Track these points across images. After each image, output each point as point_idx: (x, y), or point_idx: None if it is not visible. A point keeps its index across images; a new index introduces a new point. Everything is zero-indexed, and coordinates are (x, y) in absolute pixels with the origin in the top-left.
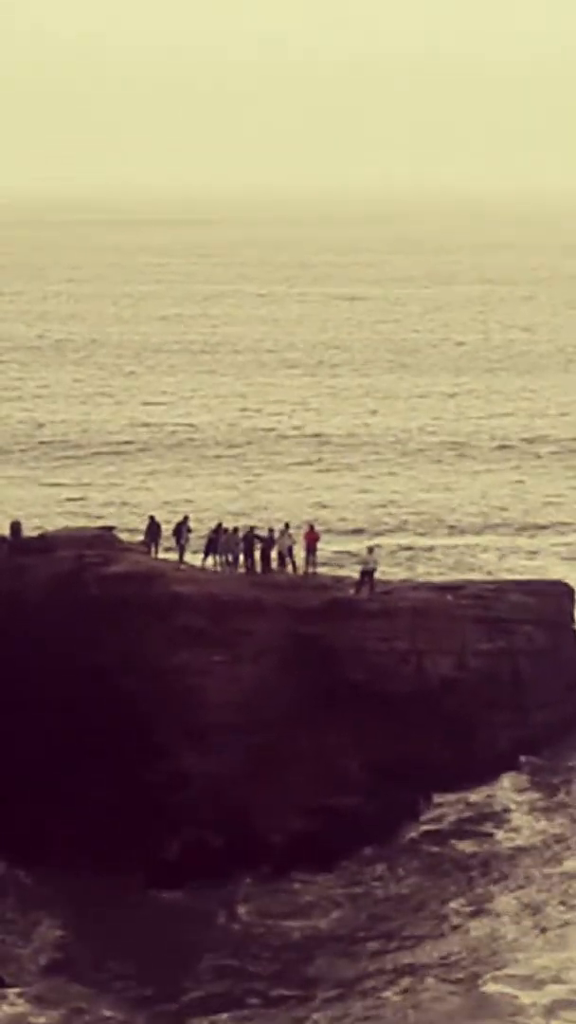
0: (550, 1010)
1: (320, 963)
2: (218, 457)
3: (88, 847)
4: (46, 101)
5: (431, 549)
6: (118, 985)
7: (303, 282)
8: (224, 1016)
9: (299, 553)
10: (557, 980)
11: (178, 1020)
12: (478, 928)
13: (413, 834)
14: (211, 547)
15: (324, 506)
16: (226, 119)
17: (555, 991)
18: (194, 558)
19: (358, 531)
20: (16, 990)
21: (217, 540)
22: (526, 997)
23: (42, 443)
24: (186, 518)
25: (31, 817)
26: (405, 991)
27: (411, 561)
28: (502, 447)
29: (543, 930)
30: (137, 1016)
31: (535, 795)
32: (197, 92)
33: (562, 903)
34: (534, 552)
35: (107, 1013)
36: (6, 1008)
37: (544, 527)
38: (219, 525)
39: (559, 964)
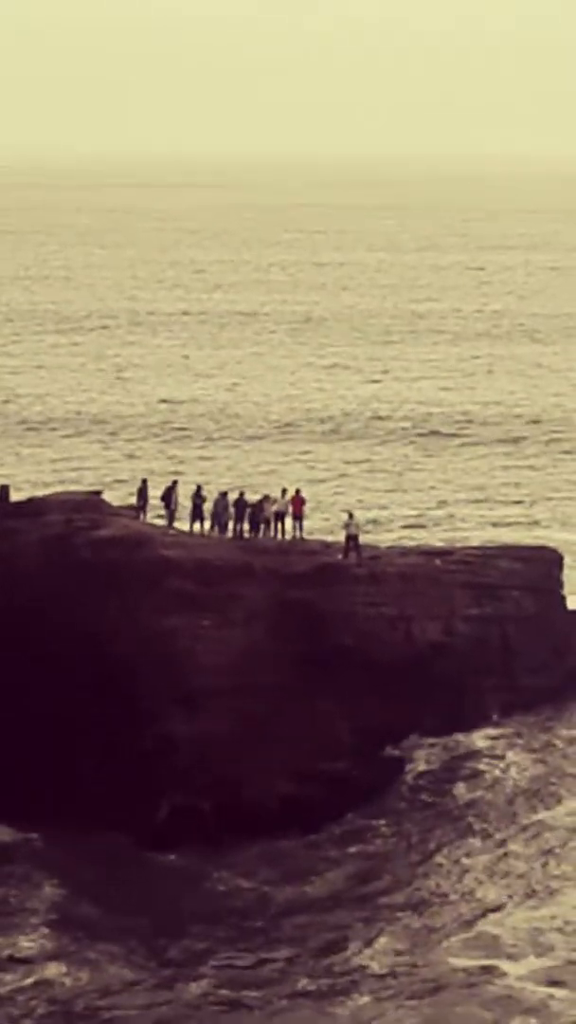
0: (529, 975)
1: (305, 927)
2: (211, 429)
3: (80, 811)
4: (49, 67)
5: (426, 517)
6: (115, 945)
7: (300, 248)
8: (213, 978)
9: (288, 519)
10: (536, 942)
11: (170, 981)
12: (458, 890)
13: (397, 795)
14: (197, 512)
15: (318, 477)
16: (225, 90)
17: (533, 954)
18: (184, 524)
19: (353, 502)
20: (22, 948)
21: (200, 505)
22: (504, 961)
23: (35, 415)
24: (175, 483)
25: (23, 781)
26: (386, 954)
27: (406, 530)
28: (501, 418)
29: (523, 889)
30: (129, 975)
31: (518, 754)
32: (198, 64)
33: (540, 860)
34: (533, 522)
35: (105, 969)
36: (12, 964)
37: (539, 498)
38: (199, 488)
39: (537, 924)
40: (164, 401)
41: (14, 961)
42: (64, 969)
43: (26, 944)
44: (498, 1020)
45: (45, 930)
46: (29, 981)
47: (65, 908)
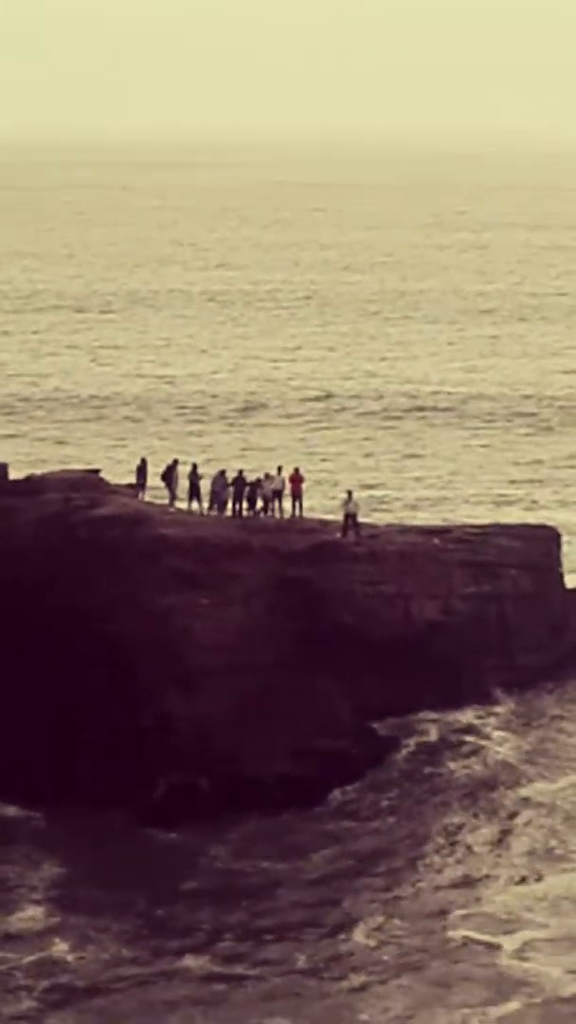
0: (523, 950)
1: (301, 902)
2: (212, 408)
3: (80, 789)
4: (48, 43)
5: (427, 497)
6: (115, 922)
7: (301, 227)
8: (211, 954)
9: (286, 497)
10: (529, 917)
11: (169, 958)
12: (454, 865)
13: (394, 772)
14: (194, 491)
15: (320, 456)
16: (215, 68)
17: (527, 929)
18: (185, 503)
19: (354, 481)
20: (22, 925)
21: (196, 483)
22: (496, 936)
23: (35, 394)
24: (176, 462)
25: (23, 760)
26: (382, 930)
27: (407, 510)
28: (503, 397)
29: (517, 864)
30: (128, 952)
31: (515, 732)
32: (196, 39)
33: (534, 836)
34: (533, 502)
35: (105, 946)
36: (13, 941)
37: (540, 477)
38: (195, 467)
39: (531, 899)
40: (165, 380)
41: (14, 938)
42: (64, 946)
43: (26, 921)
44: (492, 995)
45: (45, 907)
46: (30, 958)
47: (65, 885)
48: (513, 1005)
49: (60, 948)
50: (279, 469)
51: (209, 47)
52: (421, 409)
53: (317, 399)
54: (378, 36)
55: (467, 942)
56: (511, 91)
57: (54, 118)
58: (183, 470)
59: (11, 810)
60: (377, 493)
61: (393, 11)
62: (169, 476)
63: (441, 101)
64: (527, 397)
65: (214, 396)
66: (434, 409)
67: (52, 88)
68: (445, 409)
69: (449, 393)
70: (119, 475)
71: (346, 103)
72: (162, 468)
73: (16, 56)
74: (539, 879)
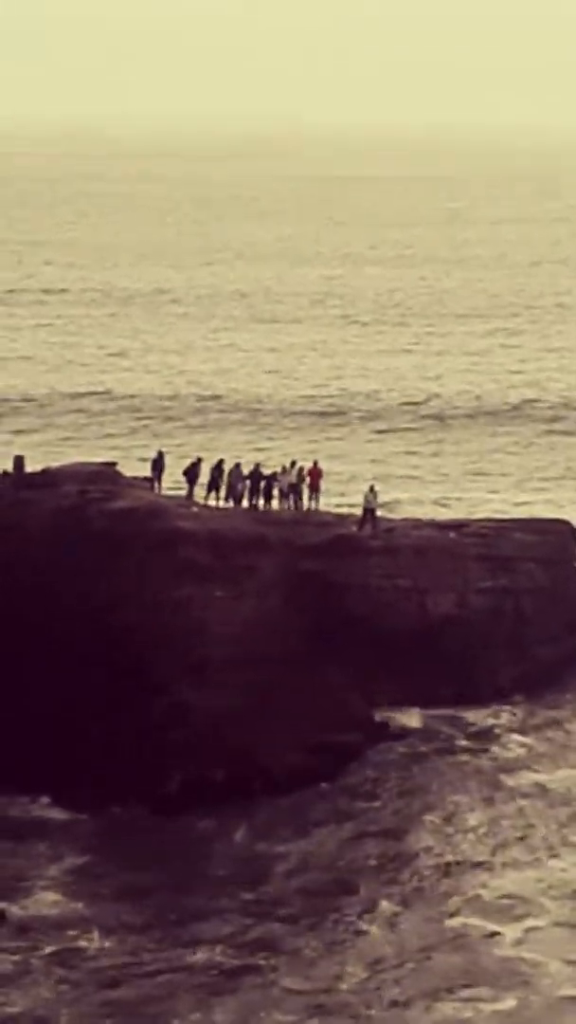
0: (520, 939)
1: (305, 892)
2: (230, 407)
3: (94, 782)
4: (54, 35)
5: (446, 497)
6: (132, 912)
7: (317, 221)
8: (218, 943)
9: (303, 490)
10: (529, 906)
11: (185, 946)
12: (458, 855)
13: (404, 763)
14: (213, 484)
15: (338, 454)
16: (230, 58)
17: (528, 917)
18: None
19: (373, 480)
20: (39, 916)
21: (218, 478)
22: (497, 924)
23: (52, 389)
24: (199, 460)
25: (35, 752)
26: (387, 922)
27: (424, 507)
28: (528, 397)
29: (518, 854)
30: (147, 940)
31: (526, 725)
32: (203, 32)
33: (537, 826)
34: (559, 504)
35: (123, 936)
36: (30, 931)
37: (559, 477)
38: (220, 462)
39: (532, 888)
40: (186, 378)
41: (34, 928)
42: (84, 936)
43: (46, 911)
44: (492, 987)
45: (64, 897)
46: (49, 948)
47: (84, 876)
48: (511, 997)
49: (80, 938)
50: (293, 463)
51: (209, 47)
52: (443, 409)
53: (336, 396)
54: (378, 36)
55: (469, 932)
56: (511, 91)
57: (54, 117)
58: (206, 468)
59: (29, 802)
60: (395, 491)
61: (393, 11)
62: (191, 473)
63: (441, 101)
64: (554, 398)
65: (233, 392)
66: (456, 406)
67: (52, 88)
68: (467, 410)
69: (472, 392)
70: (136, 469)
71: (346, 103)
72: (184, 464)
73: (16, 56)
74: (542, 868)
